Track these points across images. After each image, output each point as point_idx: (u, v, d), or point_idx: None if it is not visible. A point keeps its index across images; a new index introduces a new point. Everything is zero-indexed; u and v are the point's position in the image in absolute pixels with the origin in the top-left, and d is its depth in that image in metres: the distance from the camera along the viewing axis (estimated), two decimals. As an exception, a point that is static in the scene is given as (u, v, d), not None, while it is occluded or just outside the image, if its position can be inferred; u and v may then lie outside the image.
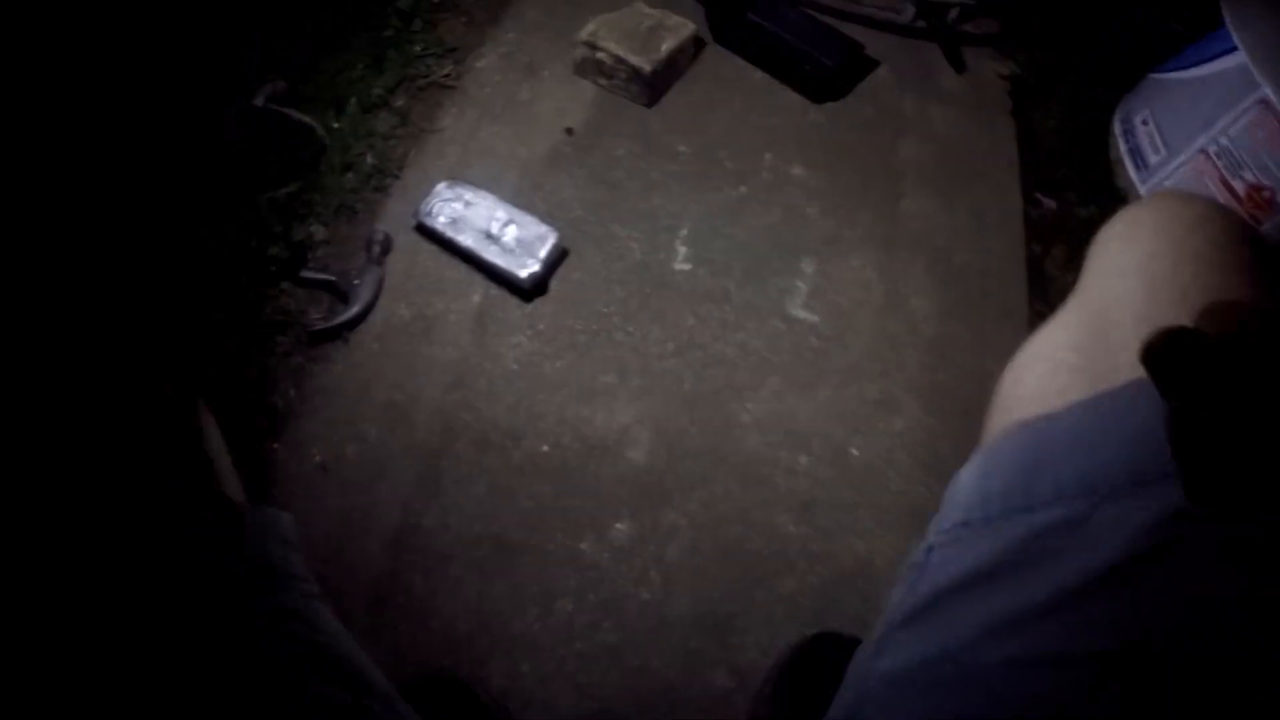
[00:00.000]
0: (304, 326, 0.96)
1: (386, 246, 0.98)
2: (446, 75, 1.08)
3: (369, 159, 1.02)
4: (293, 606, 0.46)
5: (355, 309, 0.94)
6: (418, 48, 1.10)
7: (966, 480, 0.49)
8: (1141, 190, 1.13)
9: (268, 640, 0.43)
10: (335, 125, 1.05)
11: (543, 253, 0.94)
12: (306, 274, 0.96)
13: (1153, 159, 1.13)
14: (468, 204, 0.98)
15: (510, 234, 0.95)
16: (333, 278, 0.96)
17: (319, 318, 0.96)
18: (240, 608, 0.44)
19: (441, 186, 0.99)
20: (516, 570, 0.83)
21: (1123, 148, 1.17)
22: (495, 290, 0.97)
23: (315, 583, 0.51)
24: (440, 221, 0.97)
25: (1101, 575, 0.39)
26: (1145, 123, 1.16)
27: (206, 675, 0.39)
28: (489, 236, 0.95)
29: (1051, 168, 1.14)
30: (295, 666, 0.44)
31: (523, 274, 0.93)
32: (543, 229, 0.96)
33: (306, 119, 1.05)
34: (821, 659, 0.79)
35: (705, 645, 0.81)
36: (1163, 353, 0.29)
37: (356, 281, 0.95)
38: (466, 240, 0.95)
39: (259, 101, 1.09)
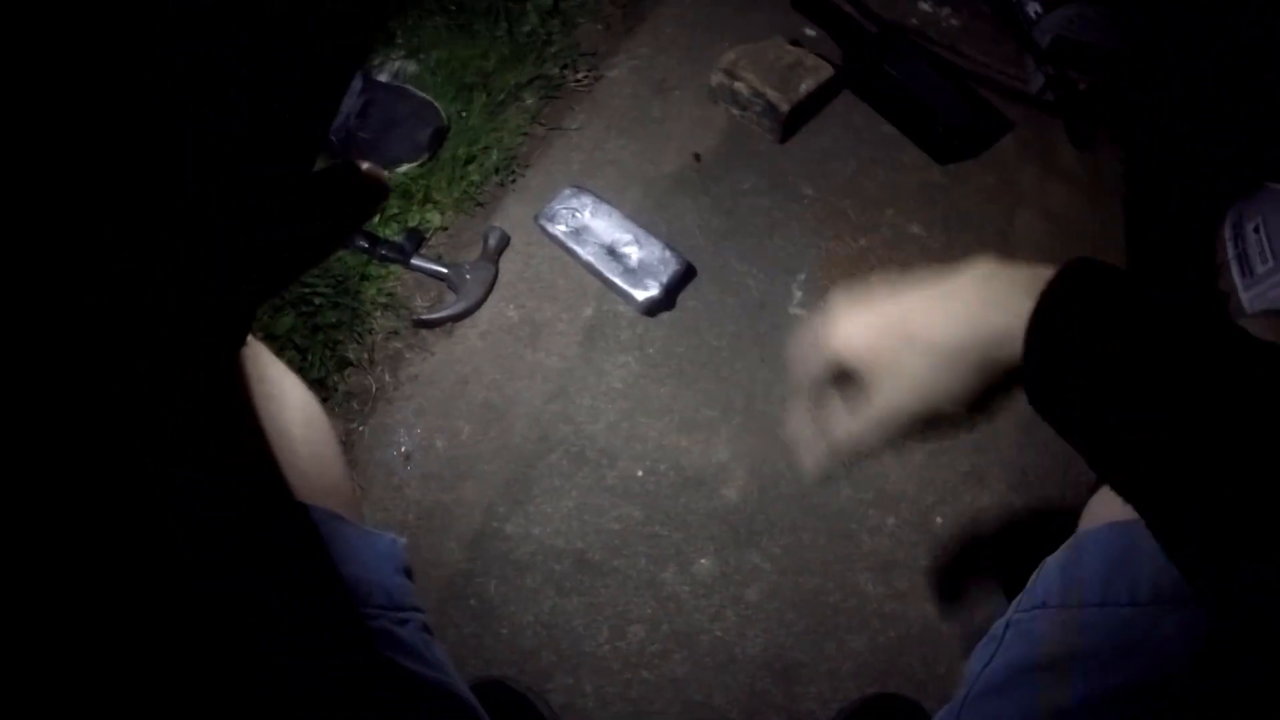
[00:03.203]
0: (409, 312, 0.96)
1: (503, 244, 0.98)
2: (580, 80, 1.08)
3: (494, 153, 1.02)
4: (410, 642, 0.45)
5: (464, 303, 0.94)
6: (554, 48, 1.09)
7: (1053, 566, 0.51)
8: (1244, 296, 1.13)
9: (385, 673, 0.43)
10: (462, 114, 1.05)
11: (665, 278, 0.94)
12: (419, 261, 0.96)
13: (1260, 268, 1.13)
14: (592, 214, 0.98)
15: (634, 254, 0.95)
16: (445, 269, 0.96)
17: (425, 306, 0.96)
18: (356, 640, 0.42)
19: (567, 191, 0.98)
20: (594, 590, 0.84)
21: (1231, 252, 1.16)
22: (608, 305, 0.97)
23: (424, 611, 0.50)
24: (561, 229, 0.97)
25: (1166, 676, 0.42)
26: (1257, 230, 1.15)
27: (317, 708, 0.38)
28: (611, 252, 0.96)
29: (1158, 260, 1.14)
30: (410, 701, 0.43)
31: (640, 297, 0.93)
32: (667, 254, 0.96)
33: (430, 98, 1.05)
34: (879, 719, 0.80)
35: (770, 689, 0.81)
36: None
37: (469, 276, 0.95)
38: (587, 252, 0.95)
39: (383, 76, 1.09)
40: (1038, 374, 0.39)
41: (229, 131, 0.20)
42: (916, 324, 0.43)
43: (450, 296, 0.96)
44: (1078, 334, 0.37)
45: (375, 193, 0.25)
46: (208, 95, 0.19)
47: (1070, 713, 0.44)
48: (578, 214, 0.97)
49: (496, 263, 0.97)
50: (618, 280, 0.94)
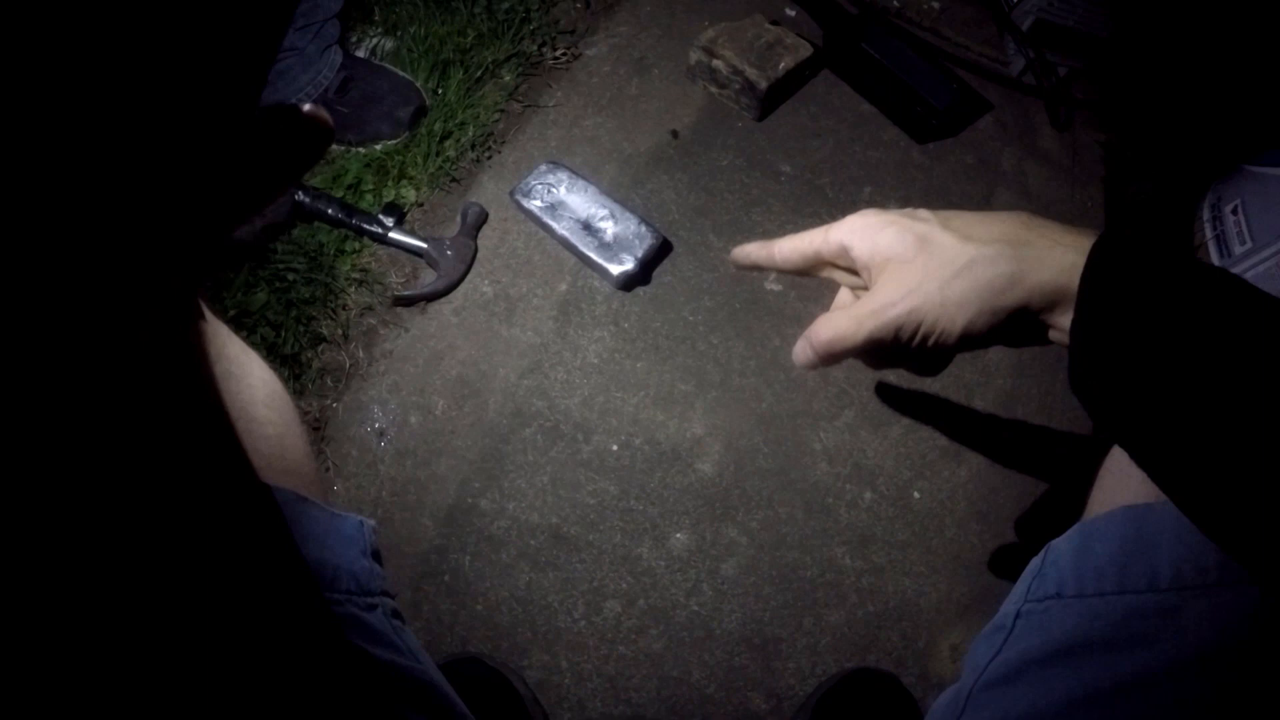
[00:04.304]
0: (384, 288, 0.95)
1: (481, 219, 0.97)
2: (558, 57, 1.07)
3: (470, 129, 1.01)
4: (378, 628, 0.44)
5: (444, 280, 0.93)
6: (532, 25, 1.09)
7: (1062, 552, 0.50)
8: (1221, 277, 1.13)
9: (349, 660, 0.41)
10: (439, 90, 1.04)
11: (640, 253, 0.93)
12: (396, 235, 0.95)
13: (1238, 249, 1.13)
14: (568, 189, 0.97)
15: (609, 229, 0.95)
16: (424, 244, 0.95)
17: (400, 282, 0.95)
18: (322, 625, 0.41)
19: (543, 166, 0.98)
20: (570, 565, 0.83)
21: (1209, 233, 1.17)
22: (584, 281, 0.97)
23: (394, 596, 0.48)
24: (536, 204, 0.96)
25: (1190, 663, 0.41)
26: (1235, 212, 1.16)
27: (284, 695, 0.36)
28: (586, 227, 0.95)
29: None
30: (378, 688, 0.42)
31: (615, 271, 0.93)
32: (642, 228, 0.95)
33: (410, 78, 1.04)
34: (858, 693, 0.79)
35: (748, 664, 0.81)
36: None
37: (449, 252, 0.94)
38: (562, 227, 0.95)
39: (361, 53, 1.08)
40: (1086, 357, 0.39)
41: (158, 66, 0.18)
42: (936, 236, 0.43)
43: (428, 273, 0.95)
44: (1127, 315, 0.37)
45: (318, 135, 0.24)
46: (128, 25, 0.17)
47: (1089, 703, 0.43)
48: (553, 189, 0.97)
49: (475, 238, 0.96)
50: (593, 255, 0.93)
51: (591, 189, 0.97)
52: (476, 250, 0.96)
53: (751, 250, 0.54)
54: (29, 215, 0.17)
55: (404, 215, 0.96)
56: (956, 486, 0.91)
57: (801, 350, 0.47)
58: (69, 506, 0.23)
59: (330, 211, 0.94)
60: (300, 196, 0.93)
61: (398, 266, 0.96)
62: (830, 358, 0.46)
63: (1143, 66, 1.22)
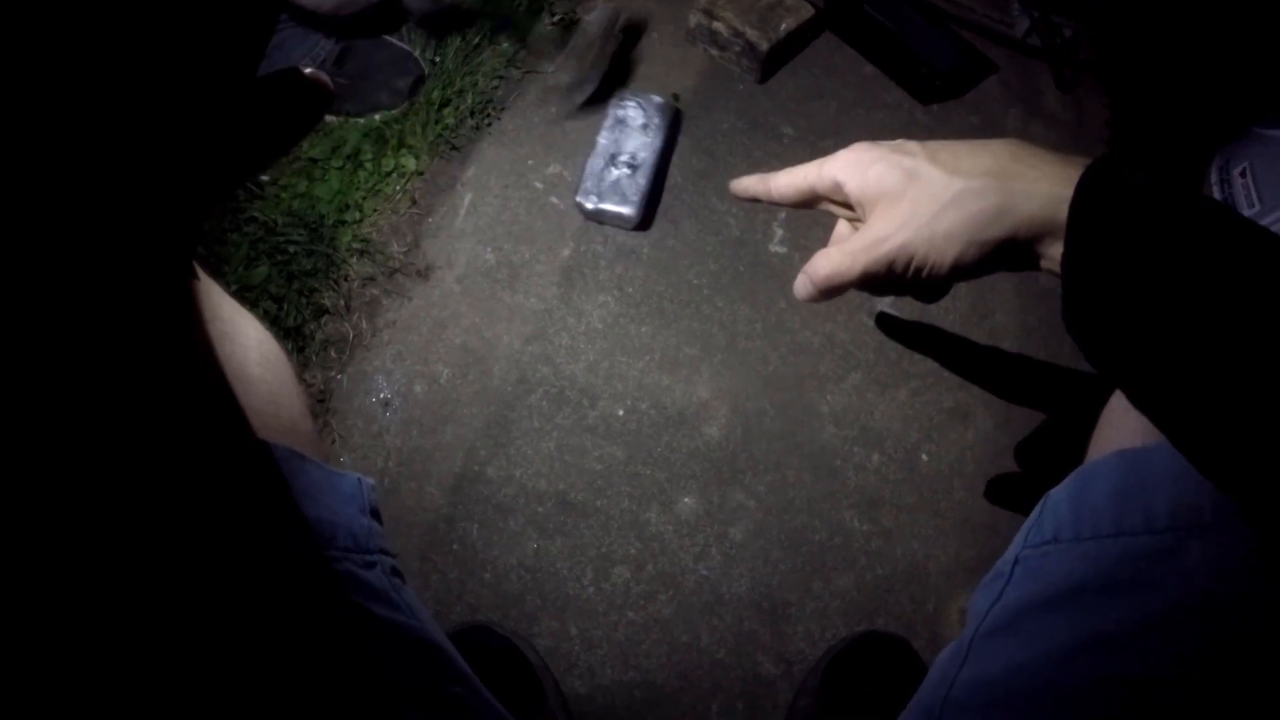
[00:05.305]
0: (385, 258, 0.94)
1: (614, 19, 0.99)
2: (558, 21, 1.05)
3: (469, 96, 1.00)
4: (378, 585, 0.44)
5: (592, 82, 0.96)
6: (529, -9, 1.07)
7: (1060, 499, 0.49)
8: (1229, 238, 1.12)
9: (349, 617, 0.41)
10: (436, 59, 1.03)
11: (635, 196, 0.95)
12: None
13: (1246, 211, 1.12)
14: (643, 129, 0.99)
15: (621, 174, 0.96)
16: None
17: (403, 252, 0.94)
18: (322, 583, 0.41)
19: (660, 100, 1.00)
20: (577, 531, 0.83)
21: (1217, 195, 1.15)
22: (586, 245, 0.96)
23: (394, 554, 0.48)
24: (617, 114, 0.98)
25: (1194, 605, 0.40)
26: (1243, 175, 1.15)
27: (282, 652, 0.36)
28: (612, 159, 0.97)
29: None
30: (377, 646, 0.42)
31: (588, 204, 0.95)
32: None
33: (409, 48, 1.03)
34: (868, 657, 0.79)
35: (757, 629, 0.81)
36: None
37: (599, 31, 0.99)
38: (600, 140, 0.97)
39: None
40: (1077, 294, 0.39)
41: (161, 26, 0.18)
42: (924, 170, 0.44)
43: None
44: (1117, 250, 0.37)
45: (320, 97, 0.24)
46: None
47: (1091, 646, 0.42)
48: (638, 118, 0.99)
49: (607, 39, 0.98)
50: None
51: (658, 143, 0.98)
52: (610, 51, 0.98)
53: (750, 183, 0.55)
54: (28, 170, 0.17)
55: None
56: (964, 449, 0.90)
57: (802, 284, 0.49)
58: (68, 466, 0.23)
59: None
60: None
61: (399, 235, 0.96)
62: (829, 292, 0.48)
63: (1149, 28, 1.20)
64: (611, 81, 1.03)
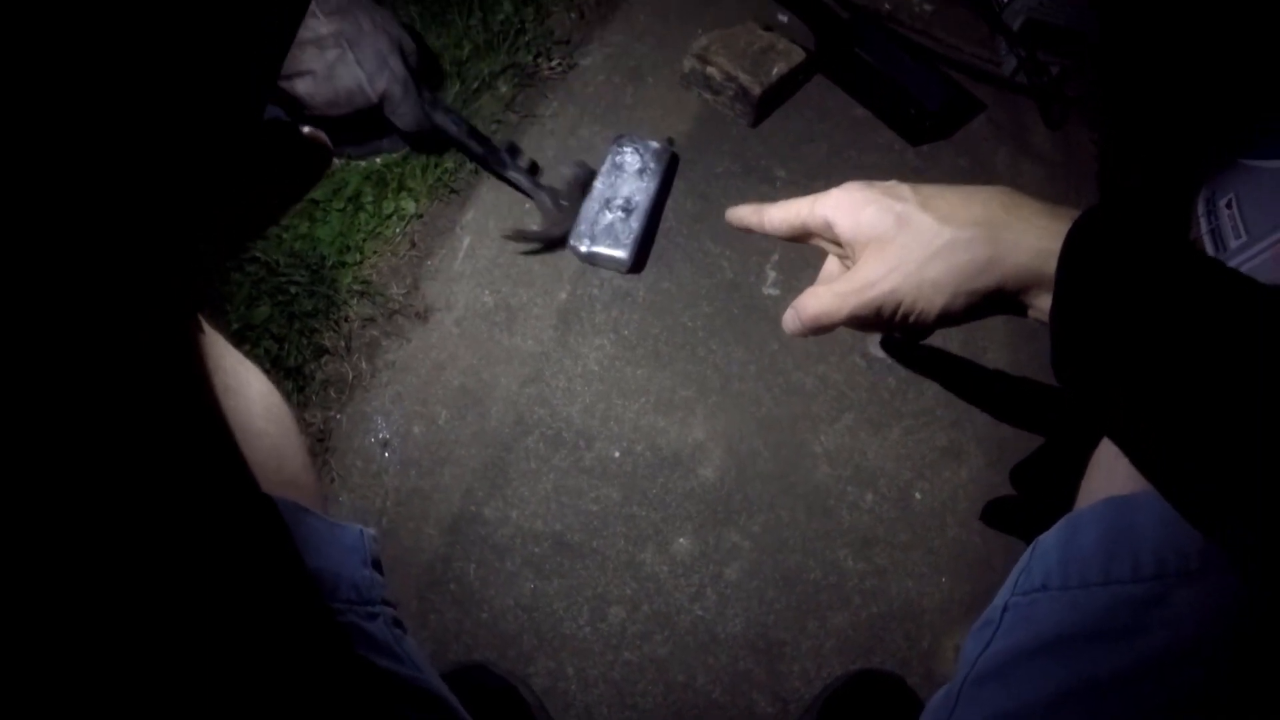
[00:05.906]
0: (385, 300, 0.95)
1: (589, 177, 1.01)
2: (554, 67, 1.08)
3: (468, 141, 1.02)
4: (380, 637, 0.45)
5: (558, 229, 0.97)
6: (528, 37, 1.10)
7: (1049, 546, 0.50)
8: (1218, 272, 1.14)
9: (352, 669, 0.42)
10: (436, 103, 1.05)
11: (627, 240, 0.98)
12: (513, 174, 0.99)
13: (1233, 243, 1.14)
14: (638, 173, 1.02)
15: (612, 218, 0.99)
16: (542, 188, 0.99)
17: (402, 294, 0.96)
18: (326, 635, 0.41)
19: (658, 145, 1.03)
20: (574, 572, 0.83)
21: (1204, 227, 1.17)
22: (582, 289, 0.97)
23: (395, 605, 0.49)
24: (613, 159, 1.01)
25: (1186, 650, 0.41)
26: (1229, 206, 1.16)
27: (288, 705, 0.37)
28: (607, 203, 0.99)
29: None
30: (380, 698, 0.43)
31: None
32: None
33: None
34: (863, 695, 0.79)
35: (753, 668, 0.81)
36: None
37: (564, 202, 0.98)
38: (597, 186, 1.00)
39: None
40: (1065, 345, 0.40)
41: (167, 71, 0.18)
42: (915, 217, 0.44)
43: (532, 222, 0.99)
44: (1105, 302, 0.37)
45: (319, 157, 0.24)
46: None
47: (1080, 694, 0.43)
48: (633, 163, 1.02)
49: (580, 197, 1.00)
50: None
51: (653, 187, 1.00)
52: (581, 205, 0.99)
53: (744, 213, 0.56)
54: (33, 222, 0.17)
55: (520, 154, 1.01)
56: (957, 487, 0.91)
57: (790, 319, 0.50)
58: (73, 518, 0.23)
59: (455, 131, 0.98)
60: (432, 109, 0.97)
61: (398, 277, 0.97)
62: (817, 330, 0.48)
63: (1135, 62, 1.23)
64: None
